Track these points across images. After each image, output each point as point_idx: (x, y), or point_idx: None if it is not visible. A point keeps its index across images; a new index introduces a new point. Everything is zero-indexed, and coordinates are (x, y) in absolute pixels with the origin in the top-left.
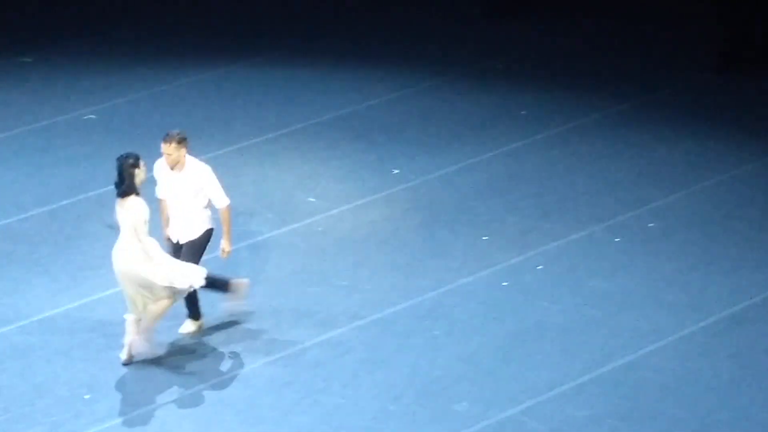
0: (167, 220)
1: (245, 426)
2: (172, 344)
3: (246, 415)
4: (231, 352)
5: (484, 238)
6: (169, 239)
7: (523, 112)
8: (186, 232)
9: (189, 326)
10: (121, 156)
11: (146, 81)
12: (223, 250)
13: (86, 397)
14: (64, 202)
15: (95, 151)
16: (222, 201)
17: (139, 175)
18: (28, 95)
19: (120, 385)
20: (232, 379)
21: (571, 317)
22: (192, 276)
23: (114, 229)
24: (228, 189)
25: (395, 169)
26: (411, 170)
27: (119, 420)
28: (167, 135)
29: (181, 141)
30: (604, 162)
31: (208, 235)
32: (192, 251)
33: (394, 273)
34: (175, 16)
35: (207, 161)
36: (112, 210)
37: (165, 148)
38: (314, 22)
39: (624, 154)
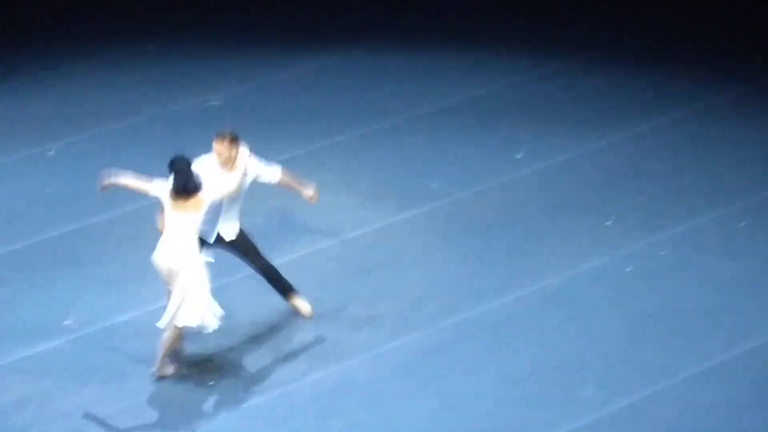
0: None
1: (369, 410)
2: (290, 326)
3: (370, 399)
4: (355, 336)
5: (608, 222)
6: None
7: (648, 95)
8: (231, 231)
9: (303, 306)
10: (177, 158)
11: (268, 67)
12: (311, 197)
13: (210, 383)
14: None
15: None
16: (276, 172)
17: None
18: (151, 82)
19: (245, 370)
20: (356, 363)
21: (696, 302)
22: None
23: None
24: (351, 174)
25: (519, 153)
26: (535, 154)
27: (243, 406)
28: (219, 133)
29: (234, 140)
30: (731, 144)
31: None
32: (248, 244)
33: (518, 258)
34: (299, 3)
35: (327, 147)
36: None
37: (218, 146)
38: (437, 5)
39: (754, 136)
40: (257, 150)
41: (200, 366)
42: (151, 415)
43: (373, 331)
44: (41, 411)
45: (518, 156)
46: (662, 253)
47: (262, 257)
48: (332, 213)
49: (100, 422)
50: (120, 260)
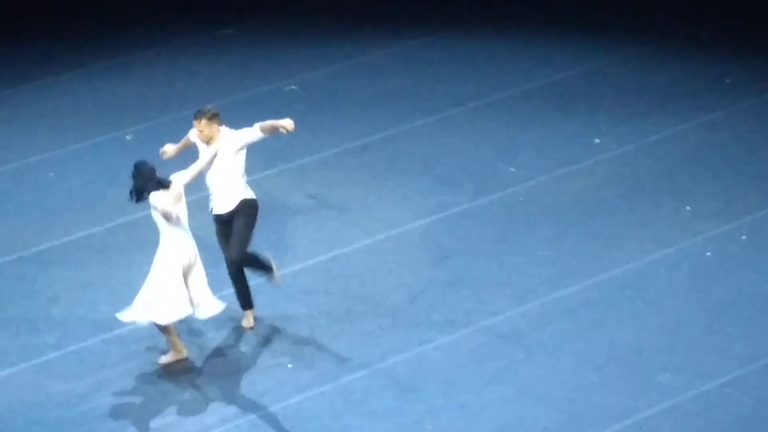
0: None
1: (448, 395)
2: (368, 310)
3: (448, 384)
4: (430, 322)
5: (687, 207)
6: (213, 214)
7: (727, 80)
8: (225, 205)
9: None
10: (136, 165)
11: (346, 52)
12: (285, 128)
13: (289, 366)
14: (267, 173)
15: (297, 121)
16: (255, 129)
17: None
18: (230, 67)
19: (321, 354)
20: (433, 349)
21: None
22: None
23: (316, 199)
24: (428, 159)
25: (596, 138)
26: (612, 140)
27: (322, 389)
28: (198, 112)
29: (212, 117)
30: None
31: (254, 203)
32: (240, 219)
33: (596, 243)
34: None
35: (404, 132)
36: (314, 181)
37: (196, 124)
38: None
39: None
40: (335, 134)
41: (279, 349)
42: (229, 396)
43: (450, 316)
44: (121, 394)
45: (596, 141)
46: (743, 237)
47: (242, 250)
48: (409, 198)
49: (177, 404)
50: (198, 244)
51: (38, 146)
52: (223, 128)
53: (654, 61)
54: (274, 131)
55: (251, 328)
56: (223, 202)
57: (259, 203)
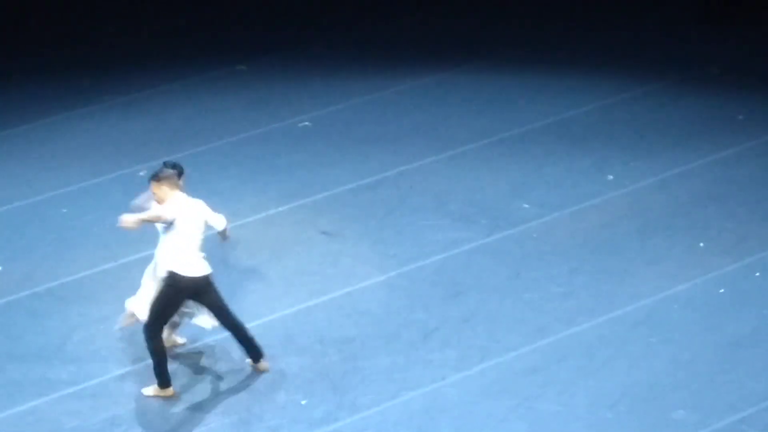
0: None
1: (460, 431)
2: (381, 347)
3: (462, 421)
4: (444, 358)
5: (700, 244)
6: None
7: (740, 117)
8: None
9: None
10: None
11: (361, 88)
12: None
13: (303, 402)
14: (281, 209)
15: (310, 158)
16: (221, 220)
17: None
18: (244, 103)
19: (335, 390)
20: (446, 385)
21: None
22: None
23: (330, 235)
24: (441, 195)
25: (610, 175)
26: (626, 176)
27: (335, 426)
28: (153, 174)
29: (161, 180)
30: None
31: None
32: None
33: (610, 279)
34: (389, 26)
35: (418, 168)
36: (328, 217)
37: (150, 186)
38: (526, 28)
39: None
40: (349, 170)
41: (292, 385)
42: None
43: (463, 352)
44: (135, 431)
45: (609, 177)
46: (756, 274)
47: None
48: (423, 234)
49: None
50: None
51: (52, 182)
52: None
53: (666, 98)
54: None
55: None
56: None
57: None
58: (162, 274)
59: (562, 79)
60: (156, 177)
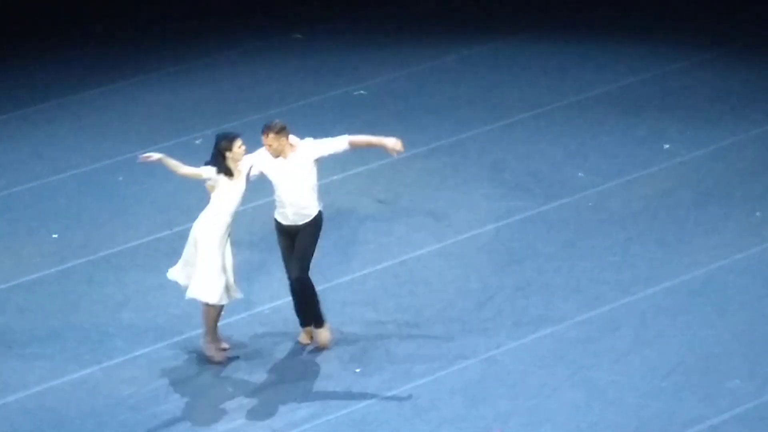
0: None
1: (516, 400)
2: (437, 316)
3: (516, 390)
4: (499, 327)
5: (757, 213)
6: (278, 224)
7: None
8: (294, 218)
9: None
10: (219, 135)
11: (416, 57)
12: (395, 148)
13: (357, 371)
14: (335, 177)
15: (365, 126)
16: (343, 140)
17: (233, 157)
18: (299, 72)
19: (389, 359)
20: (501, 354)
21: None
22: (204, 290)
23: (385, 203)
24: (496, 164)
25: (666, 143)
26: (682, 145)
27: (390, 394)
28: (265, 126)
29: (280, 131)
30: None
31: (320, 217)
32: (306, 236)
33: (666, 249)
34: None
35: (473, 137)
36: (383, 186)
37: (264, 139)
38: None
39: None
40: (404, 139)
41: (347, 354)
42: (297, 401)
43: (518, 321)
44: (189, 398)
45: (665, 146)
46: None
47: (304, 268)
48: (478, 203)
49: (245, 409)
50: (265, 247)
51: (107, 150)
52: (295, 138)
53: (725, 65)
54: (369, 147)
55: (307, 344)
56: (292, 215)
57: (323, 216)
58: (310, 215)
59: (617, 47)
60: (278, 128)
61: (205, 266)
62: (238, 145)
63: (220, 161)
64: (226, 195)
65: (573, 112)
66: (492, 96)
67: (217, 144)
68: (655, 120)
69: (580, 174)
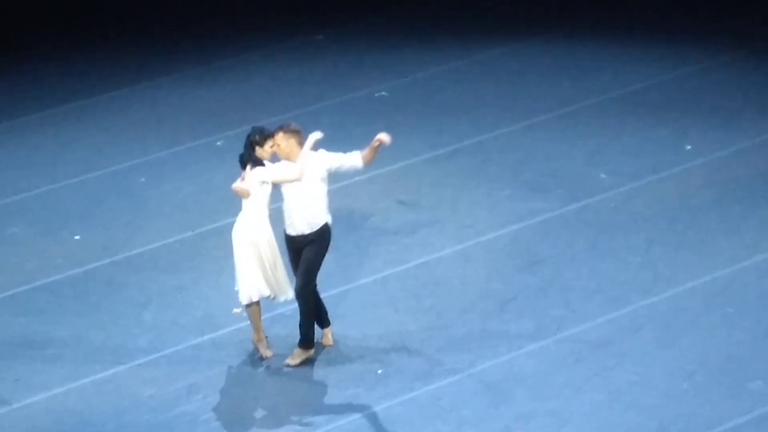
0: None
1: (537, 401)
2: (456, 317)
3: (538, 390)
4: (520, 328)
5: None
6: (287, 238)
7: None
8: (306, 226)
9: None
10: (255, 127)
11: (438, 58)
12: (382, 141)
13: (379, 372)
14: (357, 179)
15: (387, 128)
16: (356, 156)
17: (263, 153)
18: (321, 73)
19: (411, 360)
20: (523, 355)
21: None
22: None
23: (406, 205)
24: (518, 165)
25: (688, 144)
26: (704, 146)
27: (412, 395)
28: (279, 126)
29: (292, 132)
30: None
31: (327, 229)
32: (312, 250)
33: (687, 250)
34: None
35: (494, 138)
36: (404, 187)
37: (275, 138)
38: None
39: None
40: (426, 140)
41: (368, 354)
42: (319, 402)
43: (540, 322)
44: (211, 399)
45: (687, 147)
46: None
47: (309, 282)
48: (499, 204)
49: (267, 410)
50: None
51: (129, 152)
52: (308, 149)
53: (746, 66)
54: (374, 153)
55: (329, 345)
56: (299, 223)
57: (332, 231)
58: (319, 224)
59: (639, 48)
60: (287, 129)
61: (236, 267)
62: (270, 145)
63: (248, 153)
64: (254, 195)
65: (594, 113)
66: (513, 97)
67: (250, 135)
68: (676, 121)
69: (602, 175)
